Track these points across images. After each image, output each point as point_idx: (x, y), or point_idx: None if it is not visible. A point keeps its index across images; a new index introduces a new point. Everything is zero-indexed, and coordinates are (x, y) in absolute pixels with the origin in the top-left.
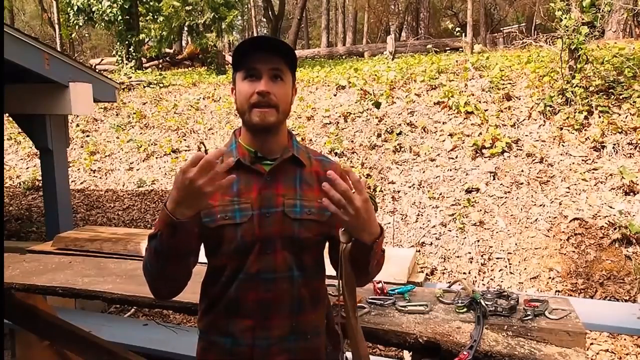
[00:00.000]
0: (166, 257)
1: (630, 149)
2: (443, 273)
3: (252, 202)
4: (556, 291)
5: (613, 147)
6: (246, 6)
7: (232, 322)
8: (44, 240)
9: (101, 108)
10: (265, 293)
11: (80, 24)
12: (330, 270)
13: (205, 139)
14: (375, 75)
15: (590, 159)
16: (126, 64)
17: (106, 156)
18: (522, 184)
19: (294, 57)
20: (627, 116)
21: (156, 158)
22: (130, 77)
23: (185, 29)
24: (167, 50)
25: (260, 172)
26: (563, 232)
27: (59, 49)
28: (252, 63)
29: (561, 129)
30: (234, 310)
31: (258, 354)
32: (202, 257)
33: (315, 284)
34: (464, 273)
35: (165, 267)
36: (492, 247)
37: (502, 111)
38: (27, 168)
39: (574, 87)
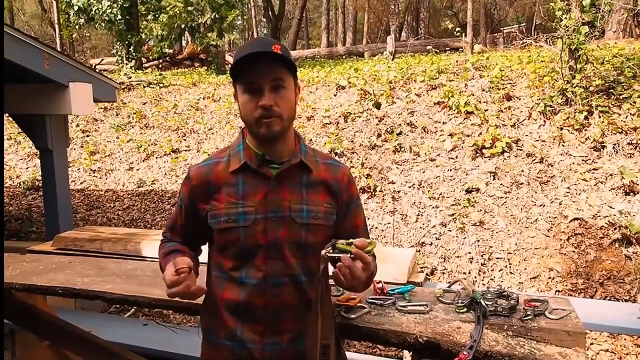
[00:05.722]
0: None
1: (630, 149)
2: (443, 273)
3: (256, 205)
4: (556, 291)
5: (613, 147)
6: (246, 6)
7: (241, 326)
8: (44, 240)
9: (101, 108)
10: (274, 298)
11: (81, 24)
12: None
13: (205, 139)
14: (375, 75)
15: (590, 159)
16: (126, 64)
17: (106, 156)
18: (522, 184)
19: (292, 61)
20: (627, 116)
21: (156, 158)
22: (130, 77)
23: (186, 28)
24: (167, 50)
25: (267, 175)
26: (563, 232)
27: (59, 49)
28: (251, 77)
29: (561, 129)
30: (242, 315)
31: (269, 358)
32: (203, 257)
33: (320, 286)
34: (464, 273)
35: None
36: (492, 247)
37: (502, 111)
38: (27, 168)
39: (574, 87)
